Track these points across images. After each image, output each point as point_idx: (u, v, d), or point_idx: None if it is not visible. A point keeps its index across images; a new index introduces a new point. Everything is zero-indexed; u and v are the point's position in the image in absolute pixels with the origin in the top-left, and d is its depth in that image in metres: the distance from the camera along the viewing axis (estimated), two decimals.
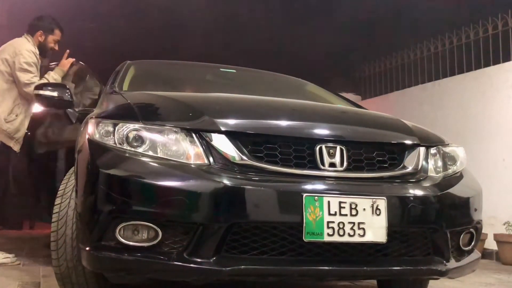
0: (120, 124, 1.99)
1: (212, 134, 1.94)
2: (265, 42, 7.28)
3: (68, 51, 3.75)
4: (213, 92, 3.04)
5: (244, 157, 1.91)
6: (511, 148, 5.14)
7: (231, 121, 2.01)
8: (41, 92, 2.99)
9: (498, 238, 4.86)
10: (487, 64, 5.58)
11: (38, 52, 3.66)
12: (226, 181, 1.82)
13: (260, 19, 6.59)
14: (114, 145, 1.96)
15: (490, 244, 5.09)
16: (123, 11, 6.31)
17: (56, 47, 3.80)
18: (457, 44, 6.05)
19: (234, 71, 3.61)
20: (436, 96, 6.20)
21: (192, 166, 1.89)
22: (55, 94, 2.98)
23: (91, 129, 2.07)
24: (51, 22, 3.76)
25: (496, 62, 5.47)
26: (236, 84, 3.48)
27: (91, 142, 2.02)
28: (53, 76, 3.59)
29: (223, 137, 1.93)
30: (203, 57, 4.43)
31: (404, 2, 6.03)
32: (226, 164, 1.89)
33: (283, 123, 2.17)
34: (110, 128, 2.00)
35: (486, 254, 5.24)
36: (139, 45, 6.92)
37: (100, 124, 2.04)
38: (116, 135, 1.98)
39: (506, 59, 5.37)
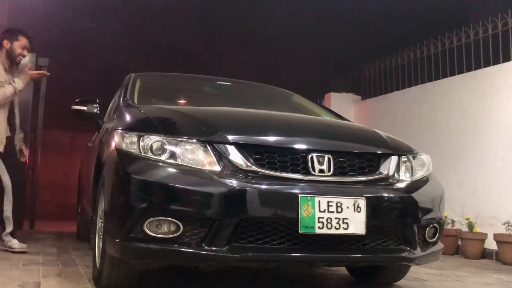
0: (145, 136, 2.44)
1: (223, 145, 2.40)
2: (264, 42, 7.27)
3: (29, 65, 4.48)
4: (213, 103, 3.56)
5: (249, 164, 2.37)
6: (511, 148, 5.13)
7: (239, 134, 2.48)
8: (77, 107, 3.52)
9: (498, 238, 4.93)
10: (487, 64, 5.62)
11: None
12: (235, 184, 2.28)
13: (260, 19, 6.59)
14: (139, 153, 2.41)
15: (490, 244, 5.15)
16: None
17: (25, 53, 4.29)
18: (457, 44, 6.09)
19: (230, 83, 4.14)
20: (436, 96, 6.25)
21: (206, 171, 2.34)
22: (87, 108, 3.51)
23: (118, 140, 2.52)
24: (15, 31, 4.29)
25: (496, 62, 5.49)
26: (232, 95, 4.01)
27: (119, 151, 2.48)
28: (18, 82, 4.13)
29: (232, 147, 2.39)
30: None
31: (404, 2, 6.02)
32: (234, 170, 2.35)
33: (281, 135, 2.62)
34: (135, 139, 2.45)
35: (486, 254, 5.30)
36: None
37: (126, 136, 2.49)
38: (140, 145, 2.42)
39: (506, 59, 5.45)
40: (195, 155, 2.37)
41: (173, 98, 3.66)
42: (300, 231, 2.26)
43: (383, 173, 2.58)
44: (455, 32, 6.24)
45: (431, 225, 2.65)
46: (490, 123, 5.59)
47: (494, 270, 4.42)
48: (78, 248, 4.61)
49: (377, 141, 2.79)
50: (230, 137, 2.41)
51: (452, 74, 6.27)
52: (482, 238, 5.34)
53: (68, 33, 6.54)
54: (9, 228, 4.12)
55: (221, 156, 2.36)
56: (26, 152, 4.59)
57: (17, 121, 4.36)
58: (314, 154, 2.44)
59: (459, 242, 5.58)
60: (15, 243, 4.06)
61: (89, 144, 4.57)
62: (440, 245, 2.79)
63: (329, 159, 2.46)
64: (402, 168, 2.67)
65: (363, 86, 8.13)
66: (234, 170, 2.33)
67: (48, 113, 6.72)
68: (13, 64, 4.25)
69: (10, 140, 4.24)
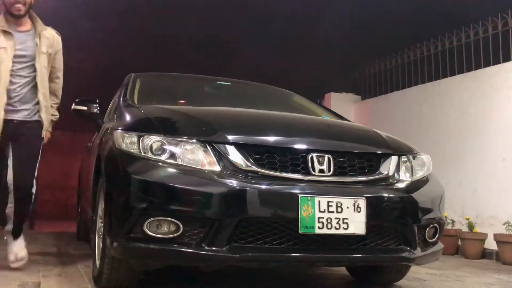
0: (145, 136, 2.44)
1: (223, 145, 2.40)
2: (264, 42, 7.26)
3: None
4: (213, 103, 3.55)
5: (249, 164, 2.37)
6: (511, 148, 5.13)
7: (239, 134, 2.48)
8: (77, 107, 3.52)
9: (498, 238, 4.93)
10: (487, 64, 5.62)
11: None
12: (236, 184, 2.28)
13: (259, 20, 6.58)
14: (139, 153, 2.41)
15: (490, 244, 5.15)
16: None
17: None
18: (457, 44, 6.08)
19: (230, 83, 4.15)
20: (436, 96, 6.25)
21: (206, 171, 2.34)
22: (87, 108, 3.51)
23: (118, 139, 2.52)
24: None
25: (496, 62, 5.49)
26: (232, 95, 4.02)
27: (119, 151, 2.48)
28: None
29: (232, 148, 2.39)
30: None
31: (404, 2, 6.01)
32: (234, 170, 2.35)
33: (281, 135, 2.62)
34: (135, 139, 2.45)
35: (486, 254, 5.31)
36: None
37: (126, 136, 2.50)
38: (140, 145, 2.43)
39: (506, 59, 5.45)
40: (195, 155, 2.37)
41: (173, 98, 3.66)
42: (300, 231, 2.26)
43: (383, 173, 2.58)
44: (455, 32, 6.24)
45: (431, 225, 2.65)
46: (490, 123, 5.59)
47: (494, 270, 4.43)
48: (78, 248, 4.62)
49: (377, 141, 2.80)
50: (230, 137, 2.41)
51: (452, 74, 6.27)
52: (482, 238, 5.34)
53: (68, 33, 6.53)
54: (8, 226, 3.38)
55: (221, 156, 2.36)
56: (45, 139, 3.56)
57: (41, 93, 3.42)
58: (314, 154, 2.45)
59: (459, 242, 5.58)
60: (15, 247, 3.32)
61: (89, 144, 4.58)
62: (440, 245, 2.80)
63: (329, 159, 2.46)
64: (402, 168, 2.67)
65: (363, 86, 8.13)
66: (234, 170, 2.33)
67: None
68: (15, 18, 3.40)
69: (12, 125, 3.31)
